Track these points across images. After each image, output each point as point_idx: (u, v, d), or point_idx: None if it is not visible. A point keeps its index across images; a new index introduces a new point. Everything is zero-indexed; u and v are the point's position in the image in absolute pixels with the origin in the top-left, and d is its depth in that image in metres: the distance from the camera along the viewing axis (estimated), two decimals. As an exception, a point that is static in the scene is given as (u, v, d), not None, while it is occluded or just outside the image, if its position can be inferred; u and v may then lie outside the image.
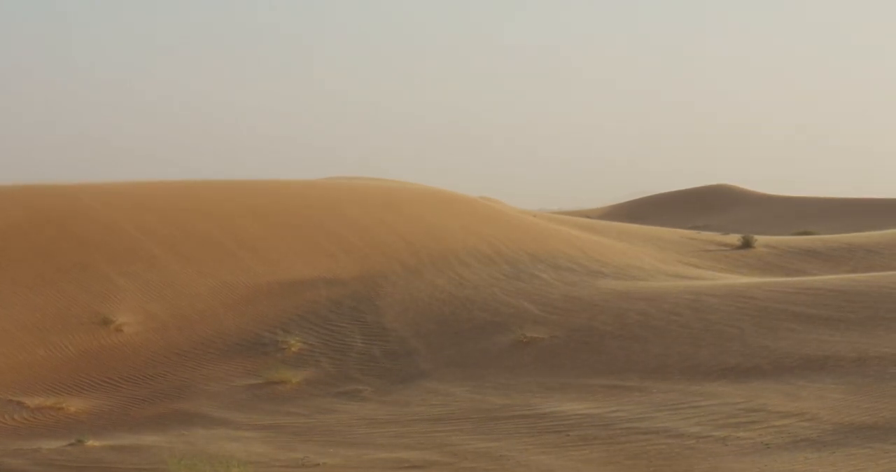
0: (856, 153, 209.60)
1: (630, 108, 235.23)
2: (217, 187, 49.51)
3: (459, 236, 44.50)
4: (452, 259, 40.57)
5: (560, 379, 25.62)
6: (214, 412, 25.50)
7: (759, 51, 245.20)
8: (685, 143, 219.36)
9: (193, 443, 21.56)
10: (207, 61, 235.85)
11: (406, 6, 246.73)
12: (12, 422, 25.35)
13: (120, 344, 30.81)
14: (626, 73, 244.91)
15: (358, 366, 29.04)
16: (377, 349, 30.37)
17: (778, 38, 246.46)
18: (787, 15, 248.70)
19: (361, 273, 37.96)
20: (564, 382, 25.27)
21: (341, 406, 24.98)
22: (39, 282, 34.27)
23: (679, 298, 33.37)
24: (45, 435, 23.73)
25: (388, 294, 35.49)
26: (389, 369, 28.65)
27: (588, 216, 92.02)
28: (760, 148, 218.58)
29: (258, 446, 21.03)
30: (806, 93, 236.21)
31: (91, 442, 21.69)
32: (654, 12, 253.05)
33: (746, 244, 54.50)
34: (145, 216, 41.42)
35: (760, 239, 56.57)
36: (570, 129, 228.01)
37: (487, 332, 31.16)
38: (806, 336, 27.37)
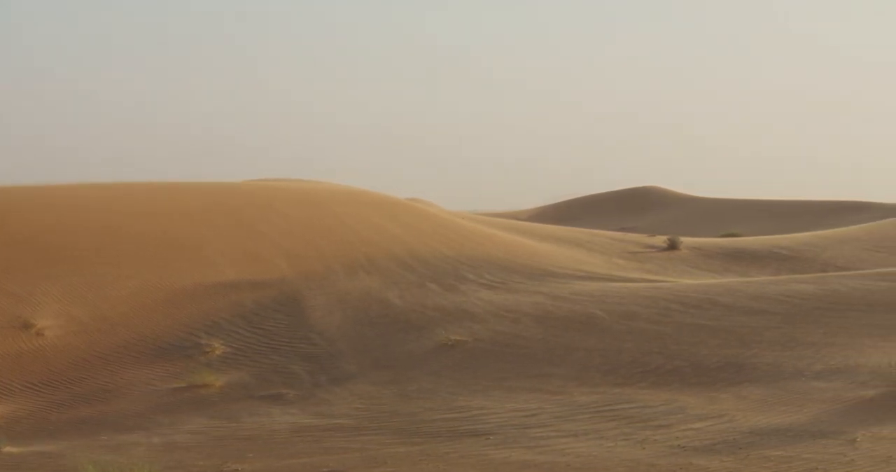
0: (779, 157, 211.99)
1: (559, 110, 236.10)
2: (145, 188, 49.14)
3: (387, 238, 44.51)
4: (379, 261, 40.58)
5: (483, 382, 25.69)
6: (136, 415, 25.27)
7: (683, 55, 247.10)
8: (614, 145, 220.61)
9: (113, 448, 21.37)
10: (135, 62, 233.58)
11: (334, 6, 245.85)
12: (-72, 428, 24.98)
13: (40, 348, 30.43)
14: (555, 77, 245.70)
15: (282, 369, 28.93)
16: (302, 352, 30.27)
17: (700, 41, 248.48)
18: (714, 19, 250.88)
19: (288, 275, 37.84)
20: (488, 384, 25.35)
21: (264, 410, 24.87)
22: (-41, 285, 33.82)
23: (603, 300, 33.64)
24: (-38, 441, 23.39)
25: (315, 296, 35.41)
26: (314, 371, 28.55)
27: (517, 218, 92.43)
28: (686, 150, 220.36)
29: (179, 450, 20.89)
30: (729, 97, 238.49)
31: (8, 448, 21.39)
32: (583, 15, 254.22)
33: (672, 246, 55.05)
34: (71, 217, 41.00)
35: (686, 241, 57.14)
36: (501, 131, 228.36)
37: (413, 334, 31.19)
38: (726, 339, 27.70)
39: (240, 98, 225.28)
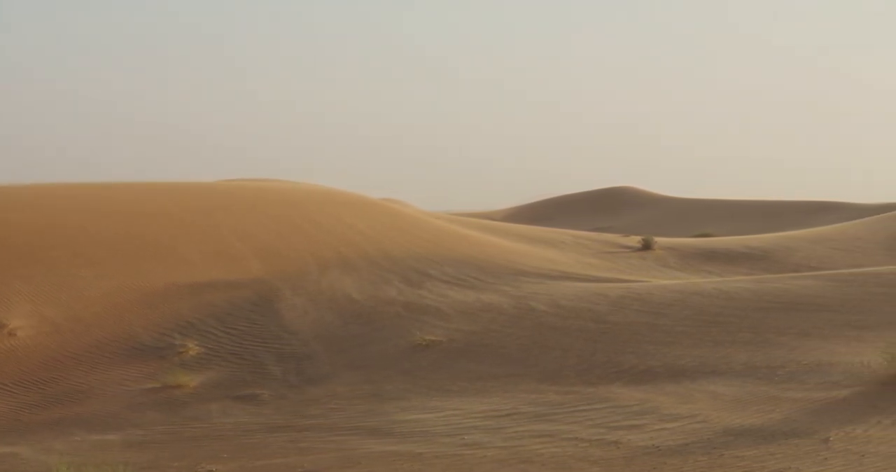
0: (752, 157, 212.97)
1: (533, 111, 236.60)
2: (119, 188, 48.97)
3: (361, 238, 44.46)
4: (354, 262, 40.54)
5: (458, 382, 25.69)
6: (109, 416, 25.16)
7: (656, 57, 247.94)
8: (587, 145, 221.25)
9: (86, 448, 21.28)
10: (112, 62, 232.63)
11: (311, 8, 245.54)
12: None
13: (13, 348, 30.28)
14: (529, 78, 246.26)
15: (256, 369, 28.86)
16: (276, 352, 30.21)
17: (674, 41, 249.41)
18: (694, 20, 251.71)
19: (262, 275, 37.76)
20: (462, 385, 25.34)
21: (238, 410, 24.80)
22: (-69, 285, 33.63)
23: (577, 300, 33.69)
24: (-67, 442, 23.26)
25: (289, 297, 35.35)
26: (288, 372, 28.50)
27: (492, 218, 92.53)
28: (661, 151, 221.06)
29: (152, 451, 20.82)
30: (704, 98, 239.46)
31: (-20, 449, 21.33)
32: (560, 17, 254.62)
33: (646, 246, 55.25)
34: (44, 217, 40.83)
35: (660, 241, 57.33)
36: (476, 131, 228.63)
37: (387, 335, 31.17)
38: (700, 338, 27.78)
39: (216, 98, 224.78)
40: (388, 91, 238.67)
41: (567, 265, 45.75)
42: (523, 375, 25.90)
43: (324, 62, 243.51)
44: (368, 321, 32.80)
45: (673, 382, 23.57)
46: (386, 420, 21.98)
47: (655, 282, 40.40)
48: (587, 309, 32.23)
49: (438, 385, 25.57)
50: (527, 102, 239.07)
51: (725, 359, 25.25)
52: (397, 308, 33.93)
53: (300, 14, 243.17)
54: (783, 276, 37.89)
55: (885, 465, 15.32)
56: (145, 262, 37.70)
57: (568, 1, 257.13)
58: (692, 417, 19.94)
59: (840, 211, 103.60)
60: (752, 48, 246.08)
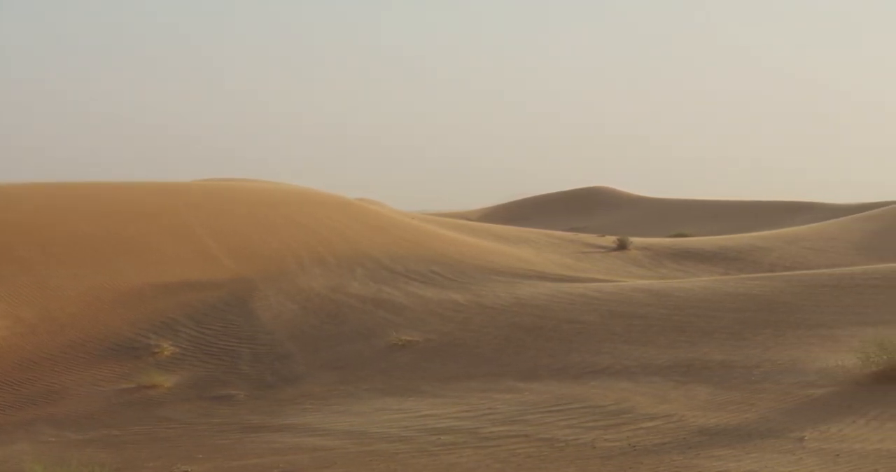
0: (726, 158, 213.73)
1: (510, 111, 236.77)
2: (94, 188, 48.74)
3: (337, 238, 44.40)
4: (330, 262, 40.47)
5: (434, 382, 25.68)
6: (84, 416, 25.06)
7: (634, 57, 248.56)
8: (564, 145, 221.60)
9: (61, 449, 21.19)
10: (91, 62, 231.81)
11: (285, 8, 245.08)
12: None
13: (-13, 349, 30.12)
14: (504, 78, 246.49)
15: (231, 370, 28.80)
16: (252, 352, 30.15)
17: (647, 43, 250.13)
18: (675, 16, 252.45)
19: (237, 275, 37.67)
20: (438, 384, 25.34)
21: (213, 410, 24.74)
22: None
23: (553, 300, 33.73)
24: None
25: (265, 297, 35.28)
26: (263, 372, 28.45)
27: (467, 218, 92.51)
28: (637, 151, 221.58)
29: (128, 451, 20.74)
30: (680, 99, 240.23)
31: (-47, 450, 21.19)
32: (538, 17, 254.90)
33: (622, 246, 55.33)
34: (19, 217, 40.62)
35: (636, 241, 57.42)
36: (451, 131, 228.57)
37: (363, 335, 31.14)
38: (675, 338, 27.86)
39: (193, 98, 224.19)
40: (364, 91, 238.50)
41: (542, 265, 45.80)
42: (499, 374, 25.91)
43: (299, 62, 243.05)
44: (344, 321, 32.76)
45: (648, 382, 23.62)
46: (362, 421, 21.96)
47: (631, 282, 40.49)
48: (562, 309, 32.26)
49: (414, 385, 25.55)
50: (502, 101, 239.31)
51: (701, 359, 25.33)
52: (373, 308, 33.91)
53: (276, 14, 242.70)
54: (758, 276, 38.01)
55: (860, 464, 15.41)
56: (121, 261, 37.55)
57: (544, 1, 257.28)
58: (668, 417, 20.00)
59: (814, 211, 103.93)
60: (728, 51, 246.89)
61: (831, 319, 29.01)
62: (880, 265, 37.96)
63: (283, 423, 22.50)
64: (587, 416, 20.65)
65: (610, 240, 58.10)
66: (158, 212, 43.97)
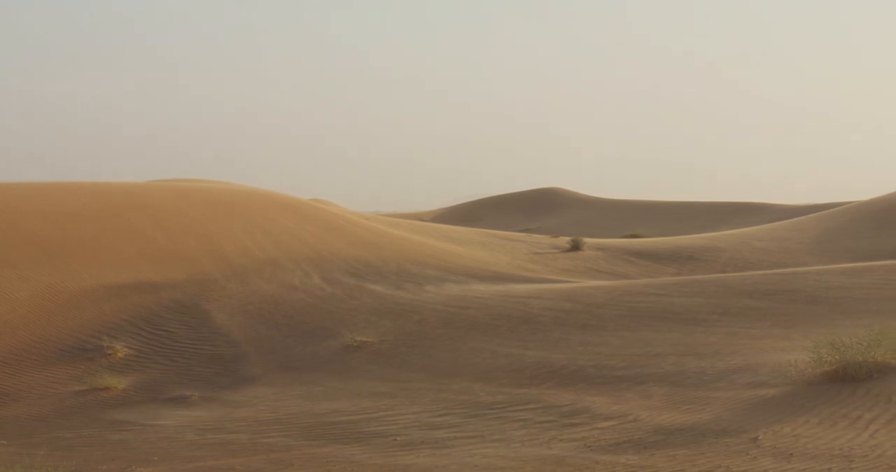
0: (676, 160, 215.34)
1: (465, 114, 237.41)
2: (44, 188, 48.30)
3: (292, 239, 44.26)
4: (284, 263, 40.34)
5: (390, 383, 25.65)
6: (36, 419, 24.85)
7: (583, 58, 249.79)
8: (515, 146, 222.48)
9: (13, 451, 20.97)
10: (47, 61, 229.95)
11: (239, 7, 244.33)
12: None
13: (-63, 351, 29.79)
14: (454, 79, 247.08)
15: (186, 371, 28.64)
16: (206, 354, 30.01)
17: (597, 46, 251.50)
18: (629, 18, 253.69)
19: (191, 276, 37.46)
20: (394, 386, 25.31)
21: (168, 412, 24.58)
22: None
23: (507, 301, 33.77)
24: None
25: (219, 298, 35.11)
26: (218, 373, 28.32)
27: (421, 219, 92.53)
28: (588, 153, 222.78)
29: (81, 454, 20.57)
30: (629, 101, 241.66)
31: None
32: (485, 18, 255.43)
33: (576, 247, 55.53)
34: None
35: (590, 241, 57.63)
36: (406, 132, 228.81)
37: (318, 336, 31.07)
38: (630, 338, 27.96)
39: (146, 98, 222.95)
40: (315, 91, 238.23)
41: (497, 266, 45.86)
42: (454, 375, 25.91)
43: (251, 63, 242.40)
44: (300, 322, 32.67)
45: (604, 382, 23.69)
46: (318, 422, 21.89)
47: (585, 283, 40.61)
48: (517, 310, 32.31)
49: (369, 386, 25.52)
50: (450, 102, 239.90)
51: (656, 359, 25.43)
52: (327, 309, 33.83)
53: (232, 14, 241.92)
54: (711, 276, 38.24)
55: (813, 463, 15.50)
56: (72, 263, 37.24)
57: (493, 3, 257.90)
58: (623, 416, 20.06)
59: (764, 212, 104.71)
60: (680, 55, 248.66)
61: (784, 319, 29.22)
62: (832, 266, 38.28)
63: (239, 425, 22.38)
64: (543, 416, 20.67)
65: (564, 241, 58.32)
66: (111, 213, 43.65)
